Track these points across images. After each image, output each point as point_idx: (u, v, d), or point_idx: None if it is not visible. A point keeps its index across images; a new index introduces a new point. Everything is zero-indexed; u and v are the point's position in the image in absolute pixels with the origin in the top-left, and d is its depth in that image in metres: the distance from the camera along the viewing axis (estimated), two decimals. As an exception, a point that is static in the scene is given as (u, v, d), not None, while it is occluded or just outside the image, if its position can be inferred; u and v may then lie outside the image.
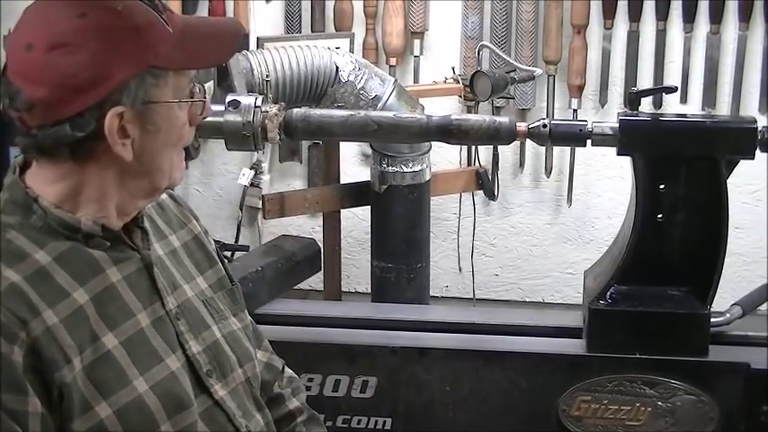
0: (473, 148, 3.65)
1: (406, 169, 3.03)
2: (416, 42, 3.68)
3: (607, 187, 3.71)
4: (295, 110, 2.32)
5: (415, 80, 3.68)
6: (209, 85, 2.94)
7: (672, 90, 2.96)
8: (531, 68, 3.26)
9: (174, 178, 1.44)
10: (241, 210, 3.65)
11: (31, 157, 1.37)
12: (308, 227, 3.78)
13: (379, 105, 2.94)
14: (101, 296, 1.36)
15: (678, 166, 2.25)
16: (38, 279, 1.31)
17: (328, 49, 3.02)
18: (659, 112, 3.47)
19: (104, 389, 1.32)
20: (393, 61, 3.67)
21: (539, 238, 3.82)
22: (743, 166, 2.30)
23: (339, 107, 2.88)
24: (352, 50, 3.53)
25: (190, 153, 2.22)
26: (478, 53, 3.20)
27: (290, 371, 1.73)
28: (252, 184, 3.68)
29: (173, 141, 1.41)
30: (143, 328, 1.39)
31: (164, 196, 1.56)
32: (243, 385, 1.53)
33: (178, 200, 1.63)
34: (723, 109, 3.58)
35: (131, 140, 1.34)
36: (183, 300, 1.48)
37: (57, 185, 1.36)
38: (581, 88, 3.62)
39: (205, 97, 1.46)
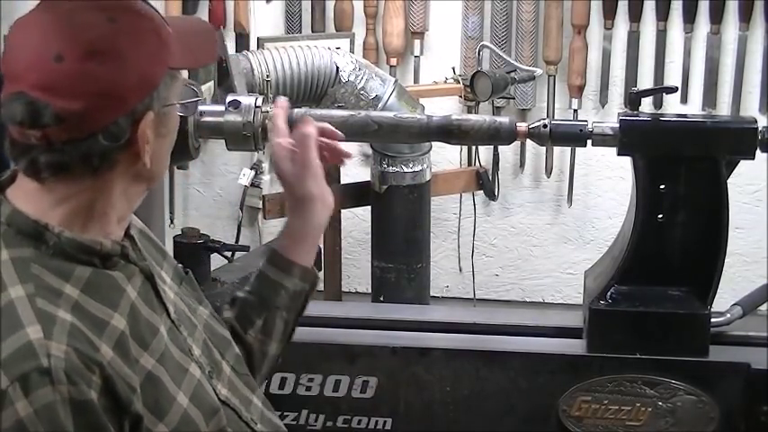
0: (473, 148, 3.65)
1: (406, 169, 3.03)
2: (417, 42, 3.69)
3: (607, 187, 3.71)
4: (295, 110, 2.31)
5: (416, 80, 3.68)
6: (209, 86, 2.94)
7: (672, 90, 2.96)
8: (531, 68, 3.27)
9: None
10: (241, 210, 3.65)
11: (44, 176, 1.26)
12: (309, 227, 3.77)
13: (380, 105, 2.94)
14: (130, 317, 1.30)
15: (678, 167, 2.25)
16: (80, 314, 1.23)
17: (329, 49, 3.02)
18: (659, 112, 3.48)
19: (158, 411, 1.28)
20: (393, 61, 3.67)
21: (539, 239, 3.83)
22: (743, 166, 2.30)
23: (339, 107, 2.88)
24: (352, 51, 3.53)
25: (190, 153, 2.22)
26: (479, 53, 3.20)
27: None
28: (252, 185, 3.68)
29: (172, 145, 1.40)
30: (166, 342, 1.35)
31: None
32: (232, 375, 1.49)
33: None
34: (723, 109, 3.58)
35: (149, 145, 1.30)
36: (174, 303, 1.43)
37: (64, 206, 1.28)
38: (581, 88, 3.62)
39: (197, 96, 1.45)
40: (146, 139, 1.28)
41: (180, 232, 2.63)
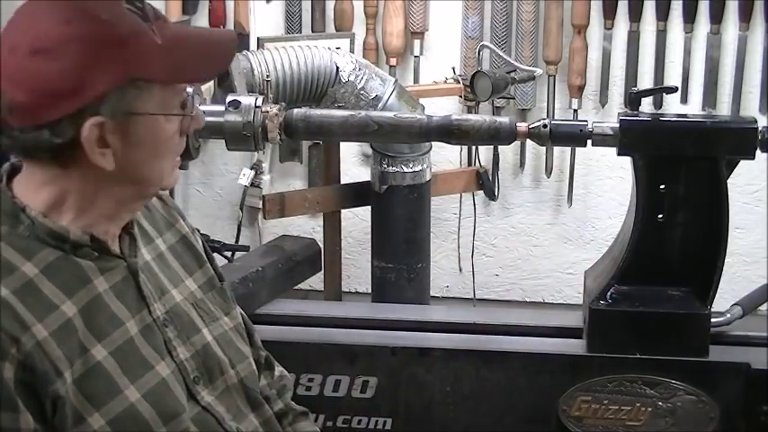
0: (473, 148, 3.65)
1: (406, 169, 3.03)
2: (417, 42, 3.68)
3: (607, 187, 3.71)
4: (295, 110, 2.32)
5: (416, 80, 3.68)
6: (209, 86, 2.94)
7: (672, 90, 2.97)
8: (531, 68, 3.26)
9: (165, 185, 1.44)
10: (241, 210, 3.65)
11: (17, 157, 1.37)
12: (309, 227, 3.78)
13: (380, 105, 2.94)
14: (88, 307, 1.35)
15: (678, 167, 2.25)
16: (26, 292, 1.30)
17: (328, 49, 3.02)
18: (659, 112, 3.48)
19: (96, 400, 1.32)
20: (393, 61, 3.67)
21: (539, 239, 3.82)
22: (743, 166, 2.31)
23: (339, 107, 2.88)
24: (352, 50, 3.53)
25: (190, 153, 2.22)
26: (479, 53, 3.20)
27: (280, 368, 1.72)
28: (252, 185, 3.68)
29: (159, 153, 1.39)
30: (132, 336, 1.39)
31: None
32: (235, 387, 1.52)
33: (165, 199, 1.62)
34: (723, 109, 3.58)
35: (112, 151, 1.32)
36: (172, 305, 1.47)
37: (43, 191, 1.35)
38: (581, 88, 3.62)
39: (194, 111, 1.43)
40: (98, 143, 1.31)
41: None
